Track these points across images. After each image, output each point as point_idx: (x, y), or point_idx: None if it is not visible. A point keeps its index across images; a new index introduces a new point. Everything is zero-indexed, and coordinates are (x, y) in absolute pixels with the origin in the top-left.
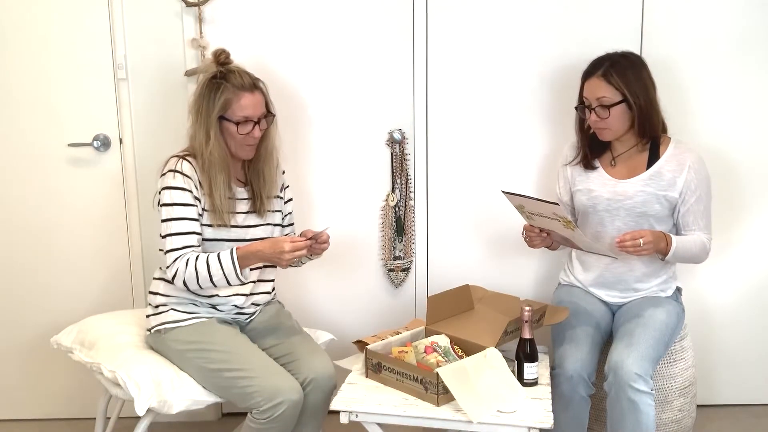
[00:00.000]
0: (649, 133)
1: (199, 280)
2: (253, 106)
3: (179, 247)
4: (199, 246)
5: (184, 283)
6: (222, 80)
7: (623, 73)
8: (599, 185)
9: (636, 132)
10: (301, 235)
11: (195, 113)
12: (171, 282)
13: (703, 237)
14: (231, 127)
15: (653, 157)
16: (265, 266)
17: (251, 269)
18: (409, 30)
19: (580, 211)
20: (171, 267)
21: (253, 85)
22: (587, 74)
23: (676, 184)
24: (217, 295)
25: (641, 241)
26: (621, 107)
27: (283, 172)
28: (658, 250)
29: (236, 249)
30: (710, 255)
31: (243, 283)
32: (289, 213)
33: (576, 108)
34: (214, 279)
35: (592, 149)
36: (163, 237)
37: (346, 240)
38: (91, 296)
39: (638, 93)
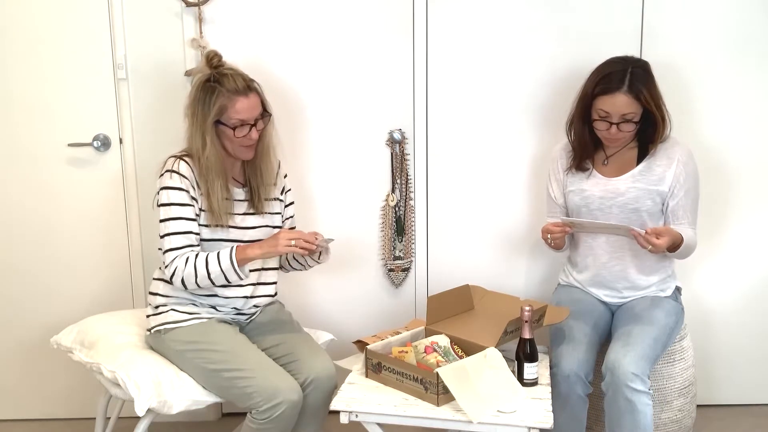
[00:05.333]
0: (659, 140)
1: (198, 279)
2: (248, 110)
3: (178, 246)
4: (197, 245)
5: (183, 282)
6: (216, 84)
7: (650, 89)
8: (591, 185)
9: (649, 140)
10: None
11: (191, 117)
12: (169, 281)
13: (693, 232)
14: (228, 131)
15: (643, 153)
16: (264, 268)
17: (251, 270)
18: (409, 30)
19: (573, 211)
20: (170, 266)
21: (248, 87)
22: (607, 89)
23: (666, 179)
24: (217, 296)
25: (650, 248)
26: (641, 119)
27: (285, 176)
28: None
29: (236, 247)
30: (711, 255)
31: (242, 279)
32: (290, 217)
33: (591, 122)
34: (212, 276)
35: (586, 152)
36: (162, 237)
37: (346, 240)
38: (91, 296)
39: (661, 106)
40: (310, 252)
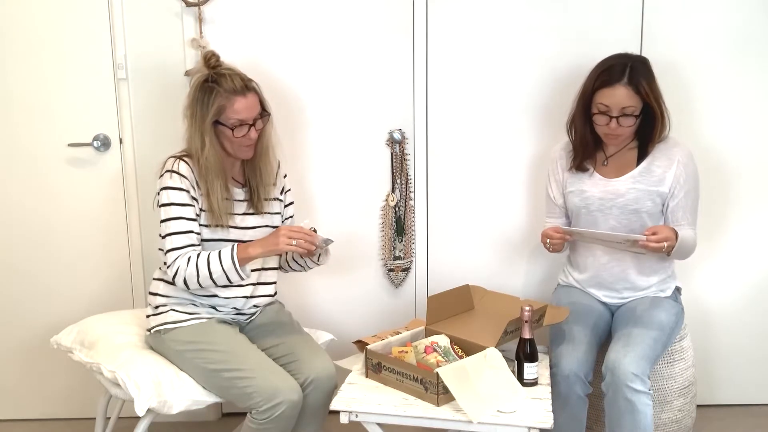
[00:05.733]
0: (658, 137)
1: (200, 278)
2: (247, 109)
3: (179, 246)
4: (198, 245)
5: (185, 282)
6: (214, 84)
7: (650, 82)
8: (591, 185)
9: (648, 138)
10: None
11: (189, 117)
12: (171, 281)
13: (693, 233)
14: (227, 131)
15: (642, 154)
16: (264, 268)
17: (252, 270)
18: (409, 30)
19: (573, 212)
20: (172, 266)
21: (245, 86)
22: (607, 81)
23: (666, 180)
24: (217, 296)
25: (666, 244)
26: (641, 114)
27: (285, 176)
28: None
29: (237, 245)
30: (711, 255)
31: (243, 279)
32: (290, 217)
33: (591, 116)
34: (214, 276)
35: (587, 151)
36: (163, 237)
37: (346, 240)
38: (91, 296)
39: (661, 102)
40: (310, 253)
